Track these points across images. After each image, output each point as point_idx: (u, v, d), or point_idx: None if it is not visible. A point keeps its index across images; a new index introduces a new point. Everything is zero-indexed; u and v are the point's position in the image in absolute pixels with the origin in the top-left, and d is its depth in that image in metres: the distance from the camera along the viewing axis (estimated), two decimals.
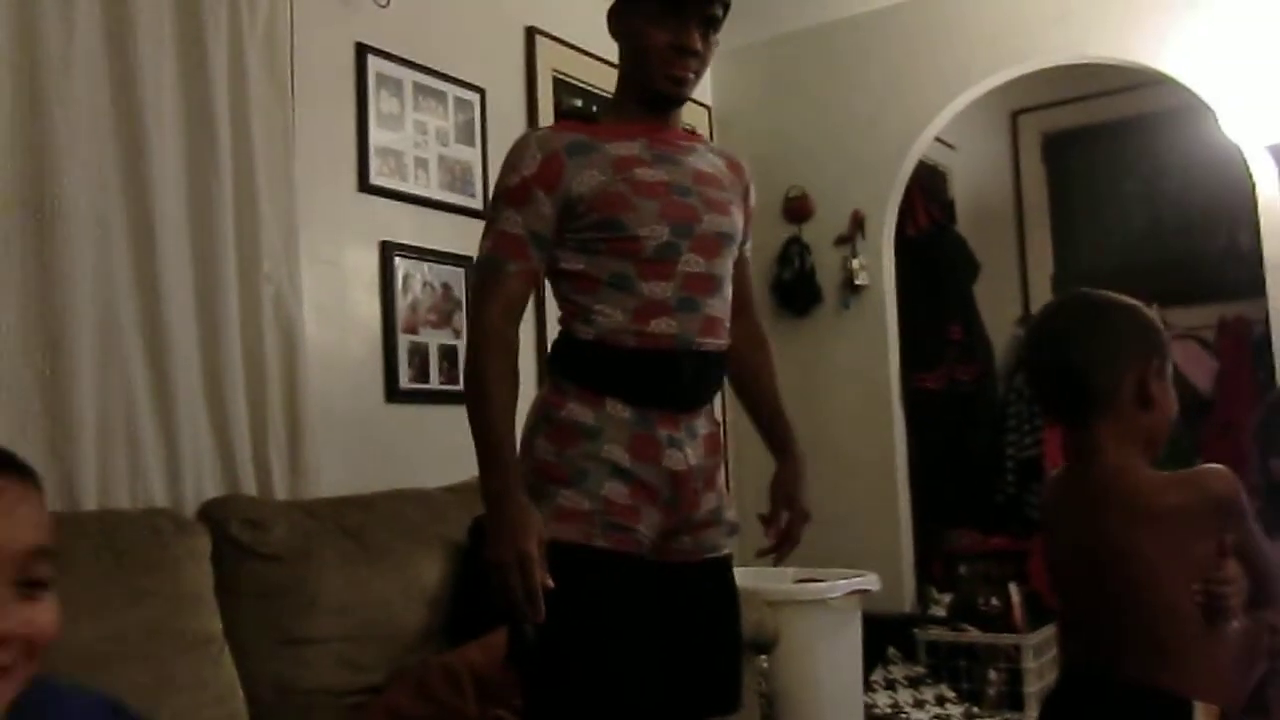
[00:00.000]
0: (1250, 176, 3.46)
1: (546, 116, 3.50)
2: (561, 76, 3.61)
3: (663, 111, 1.70)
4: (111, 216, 2.27)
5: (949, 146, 4.90)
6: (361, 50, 2.91)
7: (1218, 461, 1.54)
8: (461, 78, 3.19)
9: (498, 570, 1.51)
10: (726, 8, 1.66)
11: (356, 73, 2.90)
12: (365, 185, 2.89)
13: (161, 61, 2.36)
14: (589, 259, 1.62)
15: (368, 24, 2.93)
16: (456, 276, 3.11)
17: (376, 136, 2.92)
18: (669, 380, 1.61)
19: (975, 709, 3.63)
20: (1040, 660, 3.71)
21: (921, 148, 4.13)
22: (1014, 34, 3.81)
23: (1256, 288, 3.48)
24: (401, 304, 2.95)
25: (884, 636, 3.73)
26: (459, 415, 3.12)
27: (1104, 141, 4.96)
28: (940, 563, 4.29)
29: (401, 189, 2.99)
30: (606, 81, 3.79)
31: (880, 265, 4.07)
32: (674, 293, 1.60)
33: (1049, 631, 3.74)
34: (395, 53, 3.00)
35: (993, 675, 3.70)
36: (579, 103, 3.68)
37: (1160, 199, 4.82)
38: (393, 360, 2.91)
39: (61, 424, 2.12)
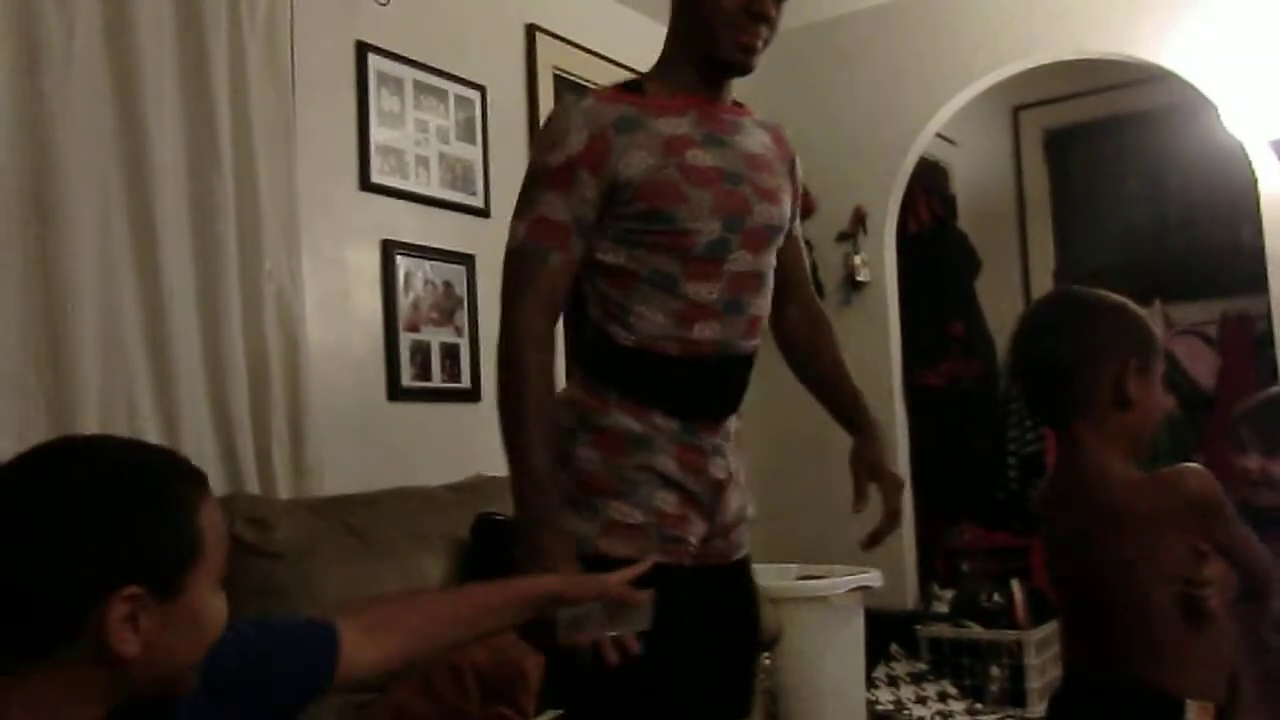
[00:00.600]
0: (1252, 172, 3.45)
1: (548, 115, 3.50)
2: (562, 74, 3.60)
3: (720, 83, 1.55)
4: (113, 214, 2.27)
5: (950, 143, 4.90)
6: (362, 48, 2.91)
7: (1219, 457, 1.54)
8: (462, 75, 3.19)
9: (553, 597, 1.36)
10: None
11: (357, 71, 2.90)
12: (366, 183, 2.89)
13: (162, 59, 2.36)
14: (630, 252, 1.46)
15: (368, 22, 2.93)
16: (458, 274, 3.11)
17: (377, 134, 2.92)
18: (714, 389, 1.51)
19: (978, 705, 3.63)
20: (1043, 656, 3.71)
21: (923, 144, 4.12)
22: (1016, 29, 3.81)
23: (1258, 283, 3.48)
24: (403, 302, 2.95)
25: (886, 633, 3.73)
26: (461, 413, 3.15)
27: (1106, 137, 4.95)
28: (942, 559, 4.29)
29: (403, 187, 2.98)
30: (608, 78, 3.80)
31: (882, 261, 4.07)
32: (720, 295, 1.48)
33: (1051, 628, 3.74)
34: (395, 51, 2.99)
35: (995, 671, 3.70)
36: None
37: (1162, 195, 4.81)
38: (395, 358, 2.91)
39: (64, 423, 2.12)
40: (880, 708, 3.51)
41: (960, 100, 4.01)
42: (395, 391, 2.91)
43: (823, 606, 3.19)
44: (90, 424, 2.14)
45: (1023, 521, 4.36)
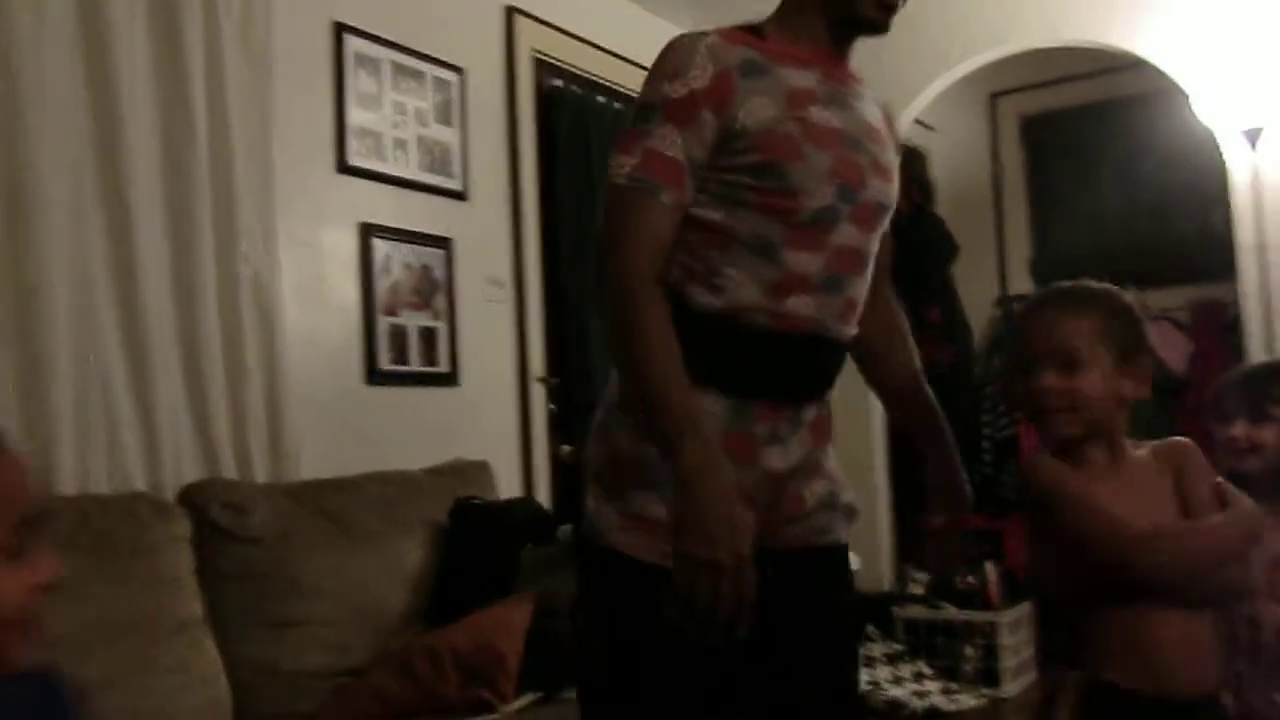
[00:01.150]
0: (1223, 160, 3.49)
1: (526, 98, 3.48)
2: (542, 57, 3.59)
3: (849, 41, 1.43)
4: (86, 198, 2.24)
5: (928, 128, 4.91)
6: (339, 29, 2.88)
7: (1194, 439, 1.56)
8: (440, 57, 3.17)
9: (706, 570, 1.16)
10: None
11: (334, 52, 2.88)
12: (343, 166, 2.87)
13: (135, 41, 2.34)
14: (729, 210, 1.32)
15: (345, 3, 2.90)
16: (437, 258, 3.10)
17: (354, 116, 2.90)
18: (795, 370, 1.36)
19: (952, 685, 3.67)
20: (1016, 637, 3.76)
21: (902, 129, 4.14)
22: (993, 17, 3.82)
23: (1229, 270, 3.52)
24: (381, 286, 2.93)
25: (863, 614, 3.77)
26: (439, 397, 3.14)
27: (1082, 124, 4.98)
28: (917, 542, 4.33)
29: (380, 170, 2.97)
30: (589, 63, 3.79)
31: None
32: (821, 268, 1.33)
33: (1025, 609, 3.79)
34: (373, 32, 2.97)
35: (969, 652, 3.74)
36: (559, 83, 3.66)
37: (1136, 182, 4.85)
38: (372, 342, 2.90)
39: (38, 408, 2.10)
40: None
41: (938, 86, 4.03)
42: (373, 375, 2.90)
43: None
44: (64, 409, 2.13)
45: (997, 505, 4.41)
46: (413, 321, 3.02)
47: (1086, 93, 4.82)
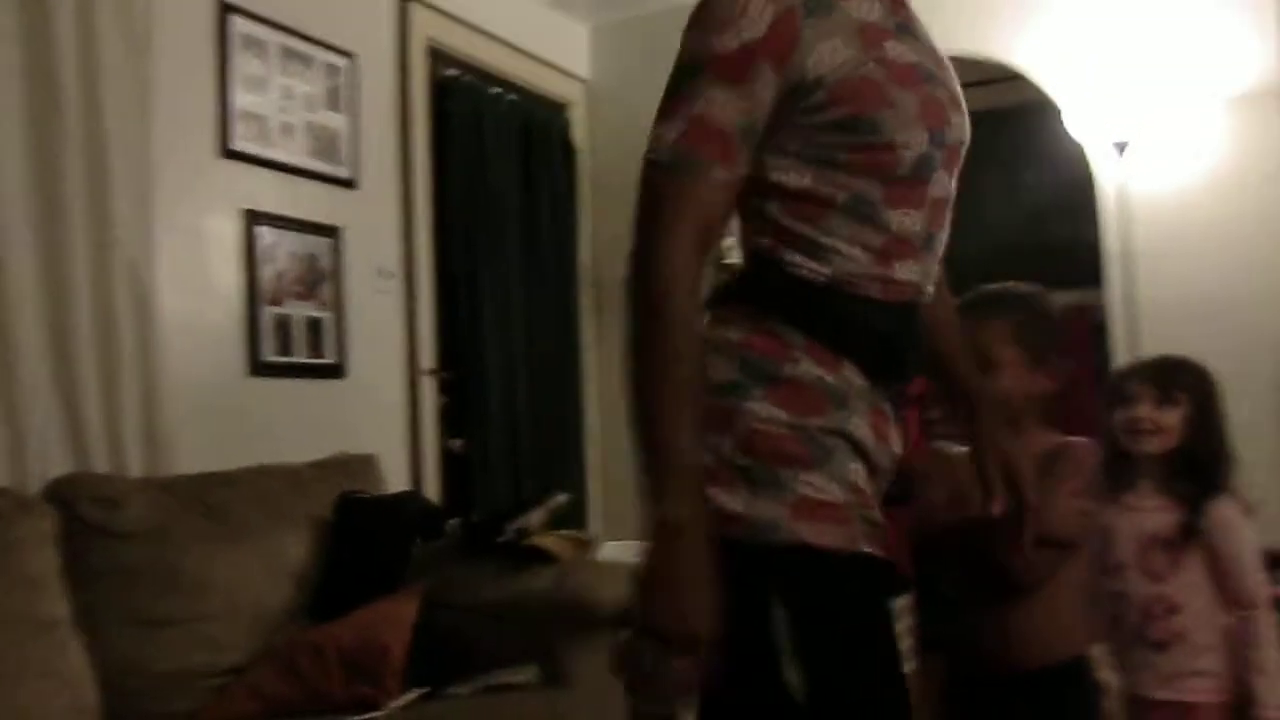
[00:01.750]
0: (1091, 172, 3.65)
1: (420, 86, 3.43)
2: (437, 46, 3.54)
3: None
4: None
5: None
6: (224, 9, 2.79)
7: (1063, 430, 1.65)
8: (331, 42, 3.10)
9: (651, 638, 1.03)
10: None
11: (218, 32, 2.78)
12: (227, 151, 2.78)
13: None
14: (820, 172, 1.13)
15: None
16: (324, 247, 3.03)
17: (239, 100, 2.81)
18: (908, 342, 1.21)
19: None
20: (899, 625, 3.87)
21: None
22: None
23: (1098, 277, 3.69)
24: (265, 274, 2.86)
25: None
26: (325, 389, 3.08)
27: None
28: None
29: (266, 155, 2.89)
30: (485, 53, 3.75)
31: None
32: (922, 226, 1.18)
33: (905, 601, 3.90)
34: (260, 13, 2.89)
35: None
36: (454, 73, 3.62)
37: (1015, 190, 5.04)
38: (255, 332, 2.82)
39: None
40: None
41: None
42: (256, 367, 2.82)
43: None
44: None
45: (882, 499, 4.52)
46: (298, 312, 2.95)
47: (970, 102, 4.97)
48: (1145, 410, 1.89)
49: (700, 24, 1.14)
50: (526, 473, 3.74)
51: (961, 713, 1.62)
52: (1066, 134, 3.69)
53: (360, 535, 2.52)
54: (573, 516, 3.31)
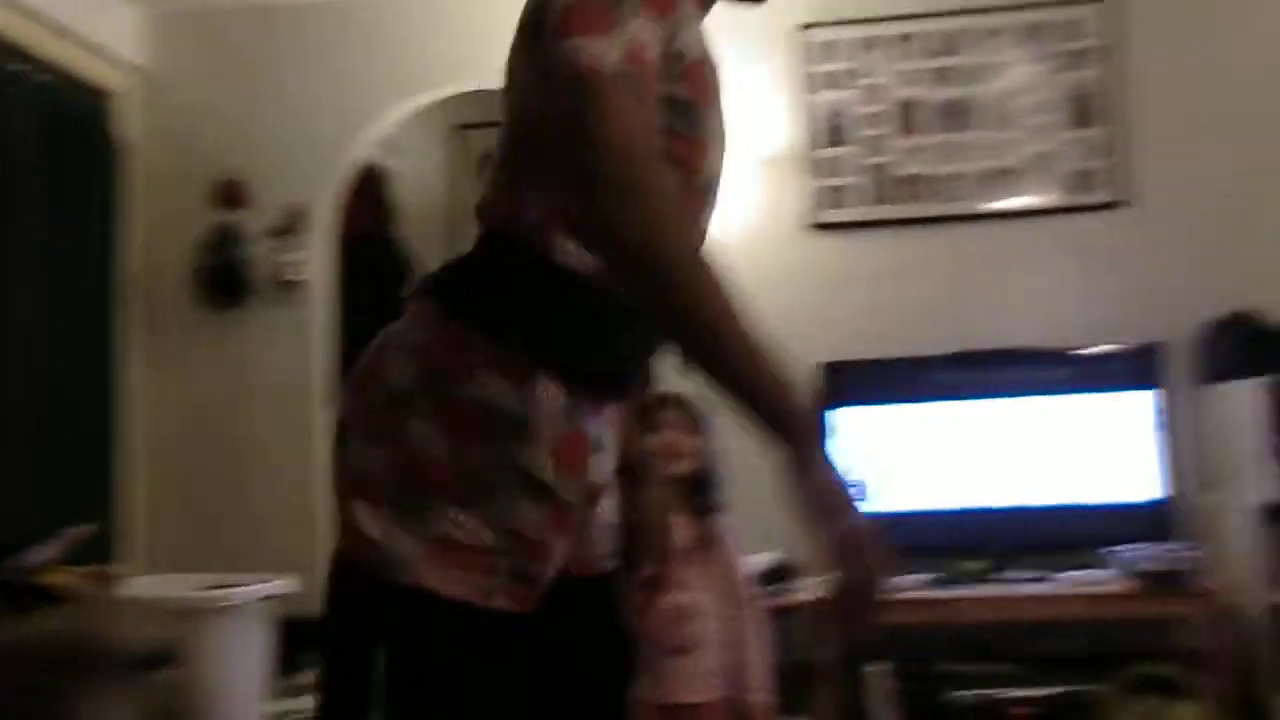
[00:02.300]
0: None
1: None
2: None
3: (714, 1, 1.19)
4: None
5: (397, 151, 4.97)
6: None
7: None
8: None
9: (870, 579, 0.95)
10: None
11: None
12: None
13: None
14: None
15: None
16: None
17: None
18: (635, 350, 1.15)
19: None
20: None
21: (366, 148, 4.14)
22: (456, 50, 3.96)
23: None
24: None
25: (306, 640, 3.67)
26: None
27: None
28: None
29: None
30: (6, 23, 3.30)
31: (318, 263, 4.01)
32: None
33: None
34: None
35: None
36: None
37: None
38: None
39: None
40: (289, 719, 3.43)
41: (402, 110, 4.09)
42: None
43: (230, 617, 3.04)
44: None
45: None
46: None
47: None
48: (671, 436, 2.08)
49: None
50: (44, 501, 3.31)
51: None
52: None
53: None
54: (99, 548, 2.99)
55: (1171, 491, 3.42)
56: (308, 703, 3.52)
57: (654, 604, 2.03)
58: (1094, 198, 3.69)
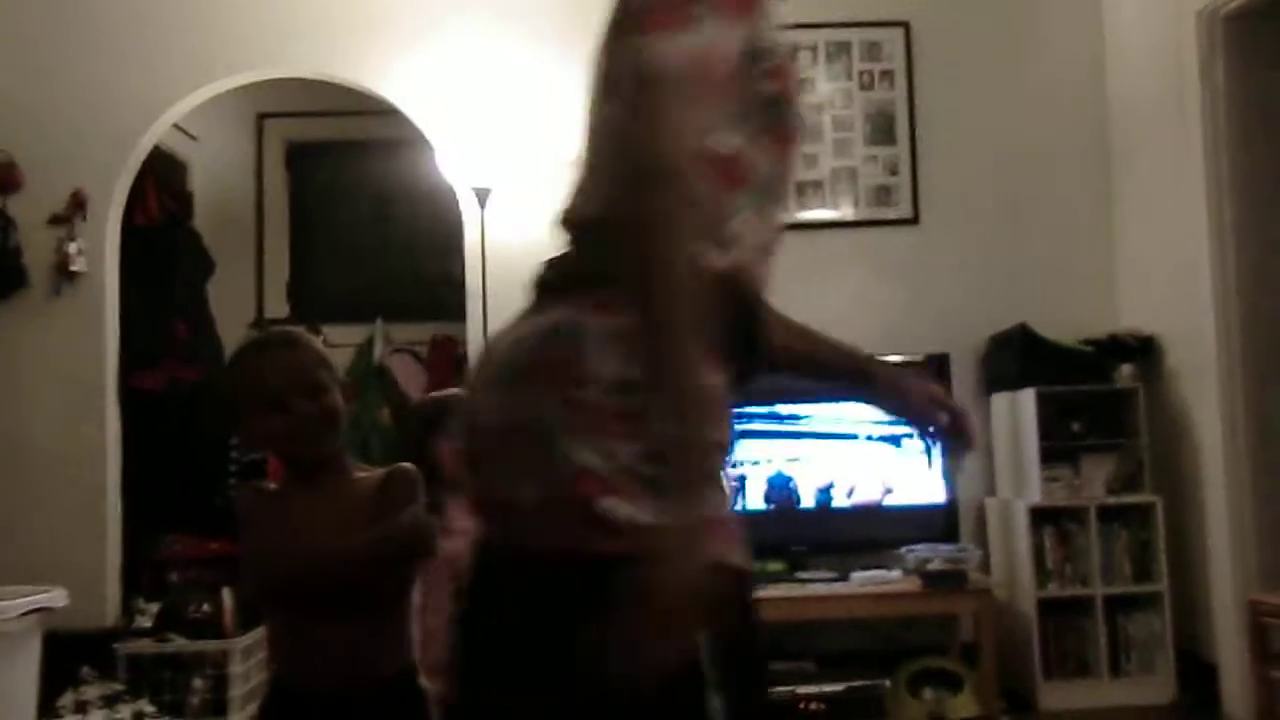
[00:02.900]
0: (460, 213, 3.88)
1: None
2: None
3: None
4: None
5: (191, 138, 4.71)
6: None
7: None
8: None
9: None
10: None
11: None
12: None
13: None
14: (749, 138, 1.05)
15: None
16: None
17: None
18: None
19: None
20: (248, 663, 3.71)
21: (158, 133, 3.92)
22: (259, 38, 3.81)
23: (462, 311, 3.92)
24: None
25: (78, 655, 3.43)
26: None
27: (344, 159, 5.19)
28: (151, 571, 4.08)
29: None
30: None
31: (102, 252, 3.76)
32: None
33: (260, 634, 3.76)
34: None
35: (198, 684, 3.60)
36: None
37: (390, 222, 5.19)
38: None
39: None
40: None
41: (200, 96, 3.89)
42: None
43: None
44: None
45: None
46: None
47: (351, 130, 5.02)
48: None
49: None
50: None
51: None
52: (440, 173, 3.88)
53: None
54: None
55: (957, 494, 3.64)
56: (91, 719, 3.31)
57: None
58: (892, 213, 3.89)
